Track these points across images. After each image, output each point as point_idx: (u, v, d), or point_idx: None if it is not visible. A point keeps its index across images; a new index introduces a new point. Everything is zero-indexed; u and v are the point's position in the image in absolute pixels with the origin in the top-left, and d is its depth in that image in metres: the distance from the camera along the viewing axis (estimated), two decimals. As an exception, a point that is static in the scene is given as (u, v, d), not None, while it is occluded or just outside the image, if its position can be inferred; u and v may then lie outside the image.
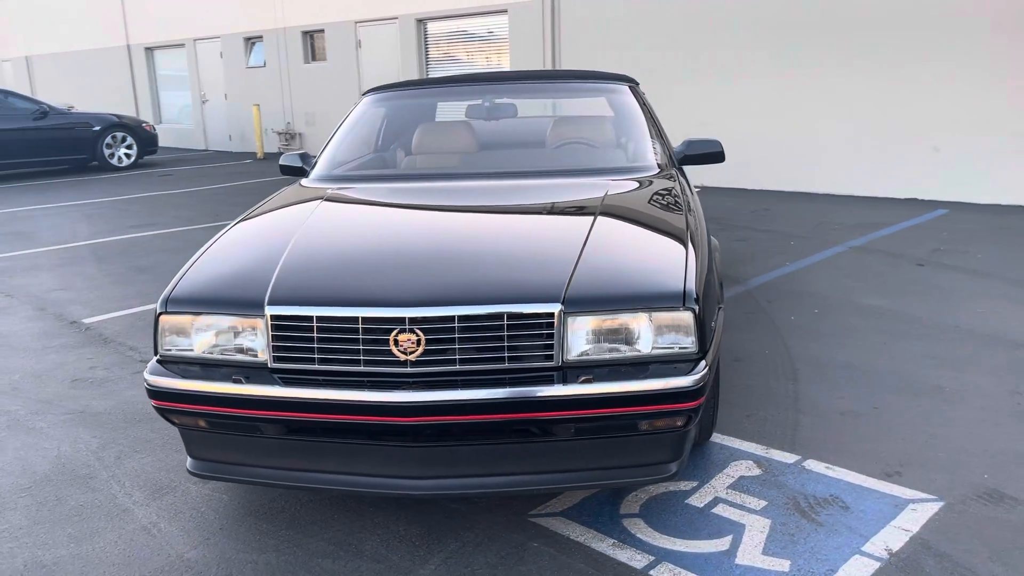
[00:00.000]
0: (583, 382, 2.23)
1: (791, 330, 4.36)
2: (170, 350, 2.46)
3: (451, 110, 4.43)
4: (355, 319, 2.28)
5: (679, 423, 2.33)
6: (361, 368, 2.29)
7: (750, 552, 2.40)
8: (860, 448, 3.01)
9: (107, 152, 13.06)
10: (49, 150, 12.52)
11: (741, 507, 2.64)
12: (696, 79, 9.46)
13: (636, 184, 3.27)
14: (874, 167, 8.36)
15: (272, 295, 2.37)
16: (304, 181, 3.64)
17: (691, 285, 2.36)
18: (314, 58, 14.08)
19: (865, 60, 8.18)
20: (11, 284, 6.01)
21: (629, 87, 4.02)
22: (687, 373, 2.27)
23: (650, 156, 3.65)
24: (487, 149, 3.88)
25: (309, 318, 2.31)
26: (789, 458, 2.95)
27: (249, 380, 2.32)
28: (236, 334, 2.40)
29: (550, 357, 2.28)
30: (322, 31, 13.67)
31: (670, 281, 2.37)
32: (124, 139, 13.24)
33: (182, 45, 16.62)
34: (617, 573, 2.32)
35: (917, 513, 2.57)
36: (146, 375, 2.42)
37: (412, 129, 4.01)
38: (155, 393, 2.39)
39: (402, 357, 2.26)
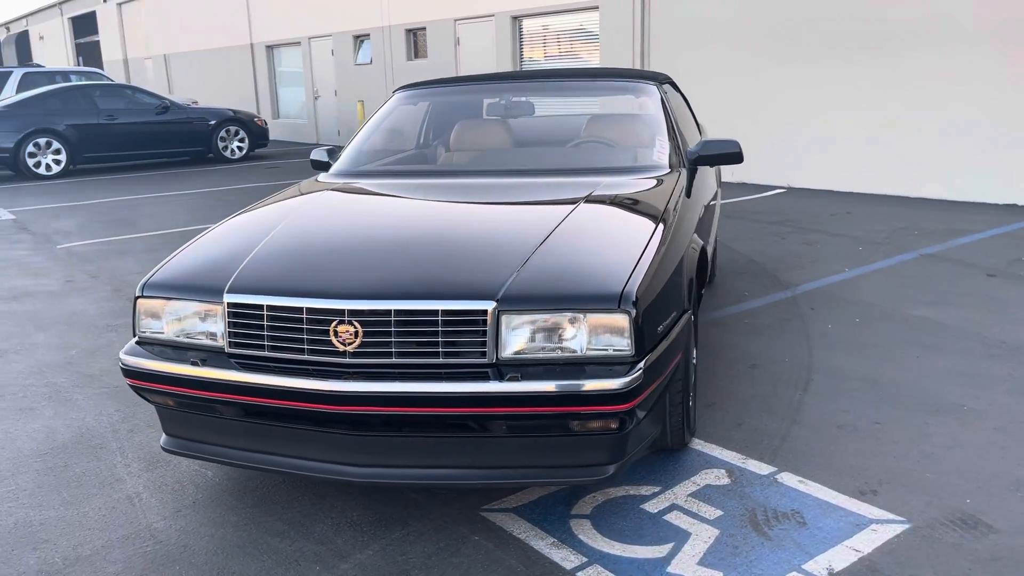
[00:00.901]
0: (510, 380, 2.25)
1: (822, 339, 4.21)
2: (145, 332, 2.64)
3: (475, 108, 4.49)
4: (300, 309, 2.39)
5: (613, 425, 2.33)
6: (305, 356, 2.39)
7: (685, 562, 2.36)
8: (844, 464, 2.89)
9: (221, 145, 13.80)
10: (169, 142, 13.34)
11: (695, 516, 2.60)
12: (785, 78, 9.16)
13: (631, 184, 3.24)
14: (973, 170, 7.88)
15: (231, 284, 2.51)
16: (321, 176, 3.79)
17: (630, 288, 2.34)
18: (416, 55, 14.42)
19: (970, 62, 7.71)
20: (99, 266, 6.49)
21: (657, 85, 3.96)
22: (617, 376, 2.26)
23: (659, 156, 3.61)
24: (504, 147, 3.92)
25: (260, 307, 2.44)
26: (764, 469, 2.87)
27: (206, 363, 2.47)
28: (200, 319, 2.54)
29: (484, 354, 2.32)
30: (424, 29, 13.98)
31: (608, 283, 2.36)
32: (237, 133, 13.96)
33: (298, 43, 17.36)
34: (545, 571, 2.34)
35: (876, 534, 2.45)
36: (120, 354, 2.60)
37: (432, 127, 4.10)
38: (127, 372, 2.57)
39: (341, 348, 2.35)
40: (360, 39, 15.60)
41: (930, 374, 3.69)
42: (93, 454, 3.17)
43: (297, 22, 17.11)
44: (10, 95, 13.55)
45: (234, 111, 14.07)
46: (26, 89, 14.37)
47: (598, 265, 2.47)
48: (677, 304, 2.63)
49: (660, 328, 2.46)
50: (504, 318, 2.31)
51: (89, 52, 29.72)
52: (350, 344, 2.35)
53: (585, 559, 2.39)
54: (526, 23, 12.28)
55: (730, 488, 2.76)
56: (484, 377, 2.28)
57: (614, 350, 2.32)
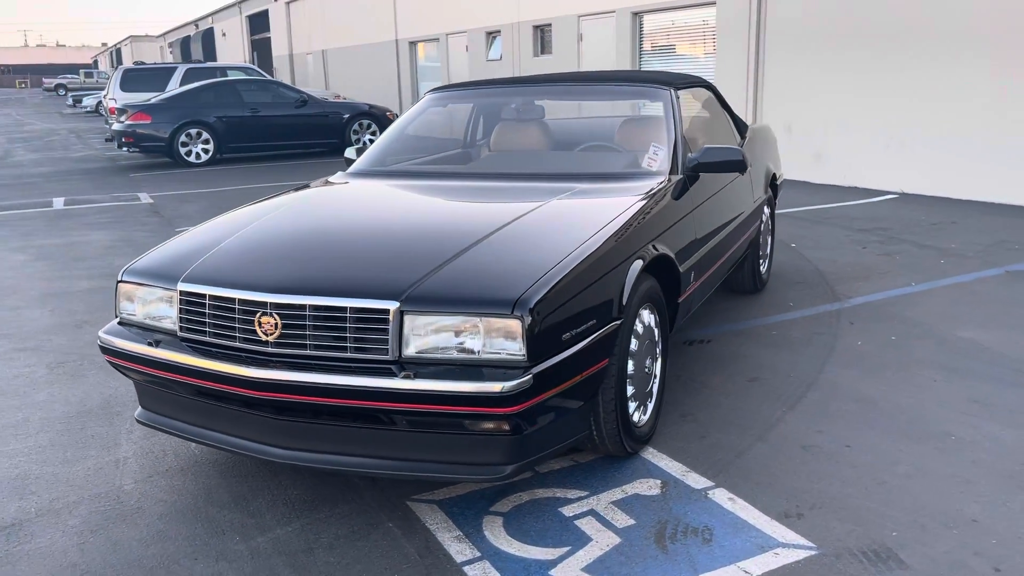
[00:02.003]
0: (404, 377, 2.38)
1: (844, 356, 4.03)
2: (122, 314, 2.95)
3: (491, 112, 4.59)
4: (233, 300, 2.61)
5: (505, 427, 2.40)
6: (237, 344, 2.61)
7: (571, 567, 2.40)
8: (786, 485, 2.81)
9: (354, 138, 14.51)
10: (306, 135, 14.17)
11: (606, 523, 2.62)
12: (902, 78, 8.64)
13: (602, 191, 3.27)
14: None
15: (186, 275, 2.76)
16: (336, 174, 4.02)
17: (528, 295, 2.40)
18: (542, 51, 14.58)
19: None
20: (200, 250, 7.06)
21: (670, 90, 3.92)
22: (505, 379, 2.33)
23: (649, 162, 3.60)
24: (511, 150, 4.01)
25: (204, 296, 2.68)
26: (701, 484, 2.84)
27: (160, 345, 2.73)
28: (161, 305, 2.82)
29: (387, 351, 2.45)
30: (550, 25, 14.12)
31: (505, 289, 2.43)
32: (369, 126, 14.63)
33: (437, 39, 17.93)
34: (435, 562, 2.44)
35: (777, 557, 2.40)
36: (99, 332, 2.92)
37: (451, 128, 4.24)
38: (102, 348, 2.89)
39: (264, 337, 2.55)
40: (492, 35, 15.93)
41: (937, 399, 3.48)
42: (108, 420, 3.54)
43: (437, 19, 17.68)
44: (174, 88, 14.80)
45: (370, 105, 14.75)
46: (188, 83, 15.66)
47: (509, 270, 2.54)
48: (601, 313, 2.65)
49: (568, 336, 2.50)
50: (407, 318, 2.43)
51: (262, 48, 31.84)
52: (271, 335, 2.54)
53: (478, 554, 2.48)
54: (646, 19, 12.16)
55: (656, 499, 2.75)
56: (385, 373, 2.41)
57: (507, 354, 2.39)
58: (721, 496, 2.76)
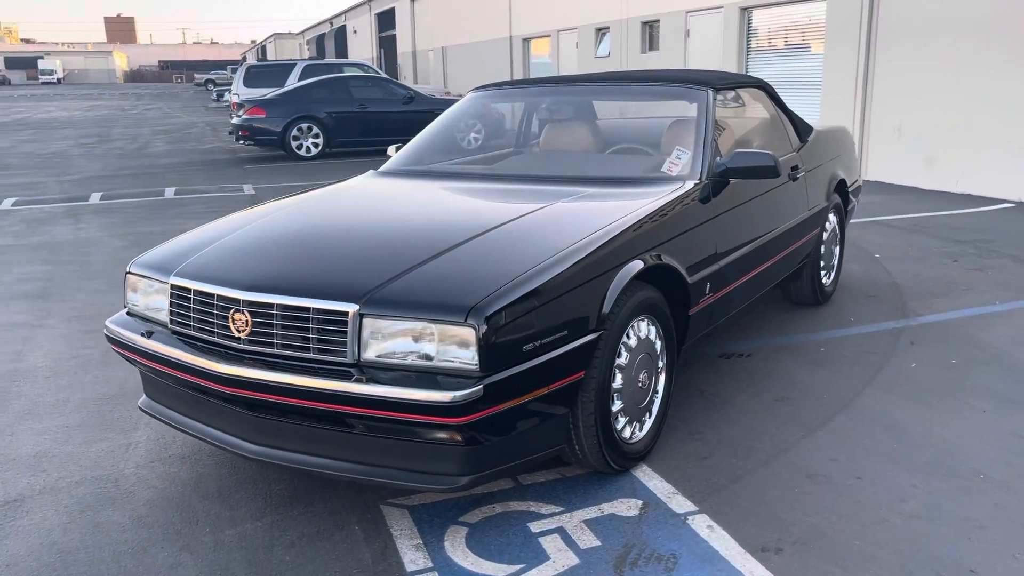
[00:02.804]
0: (355, 381, 2.36)
1: (890, 378, 3.75)
2: (128, 304, 3.06)
3: (527, 111, 4.50)
4: (212, 295, 2.66)
5: (457, 437, 2.35)
6: (216, 339, 2.66)
7: (519, 585, 2.33)
8: (774, 516, 2.63)
9: (458, 136, 14.66)
10: (411, 130, 14.33)
11: (570, 542, 2.52)
12: (1019, 79, 7.97)
13: (606, 196, 3.16)
14: None
15: (178, 269, 2.84)
16: (367, 173, 4.05)
17: (485, 303, 2.34)
18: (650, 48, 14.31)
19: None
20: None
21: (708, 92, 3.73)
22: (455, 389, 2.28)
23: (671, 167, 3.45)
24: (537, 152, 3.93)
25: (189, 290, 2.74)
26: (684, 508, 2.70)
27: (153, 336, 2.83)
28: (157, 297, 2.91)
29: (346, 354, 2.44)
30: (658, 21, 13.83)
31: (464, 296, 2.37)
32: (474, 124, 14.74)
33: (548, 36, 17.90)
34: (386, 569, 2.42)
35: (736, 595, 2.24)
36: (106, 322, 3.05)
37: (483, 128, 4.19)
38: (107, 337, 3.01)
39: (237, 334, 2.59)
40: (601, 32, 15.76)
41: (979, 433, 3.18)
42: (133, 404, 3.70)
43: (549, 15, 17.64)
44: (292, 84, 15.39)
45: (475, 102, 14.87)
46: (305, 79, 16.24)
47: (473, 277, 2.48)
48: (576, 324, 2.56)
49: (531, 346, 2.42)
50: (365, 321, 2.42)
51: (388, 44, 32.71)
52: (243, 332, 2.58)
53: (430, 565, 2.44)
54: (755, 15, 11.72)
55: (631, 521, 2.63)
56: (343, 376, 2.41)
57: (461, 363, 2.34)
58: (700, 523, 2.61)
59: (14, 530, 2.67)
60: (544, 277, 2.50)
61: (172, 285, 2.80)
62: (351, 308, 2.42)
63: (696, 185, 3.33)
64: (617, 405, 2.82)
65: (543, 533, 2.59)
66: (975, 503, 2.68)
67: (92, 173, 12.65)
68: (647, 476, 2.92)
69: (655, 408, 3.08)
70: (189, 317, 2.75)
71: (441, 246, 2.70)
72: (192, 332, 2.73)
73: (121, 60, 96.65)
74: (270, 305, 2.53)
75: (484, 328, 2.31)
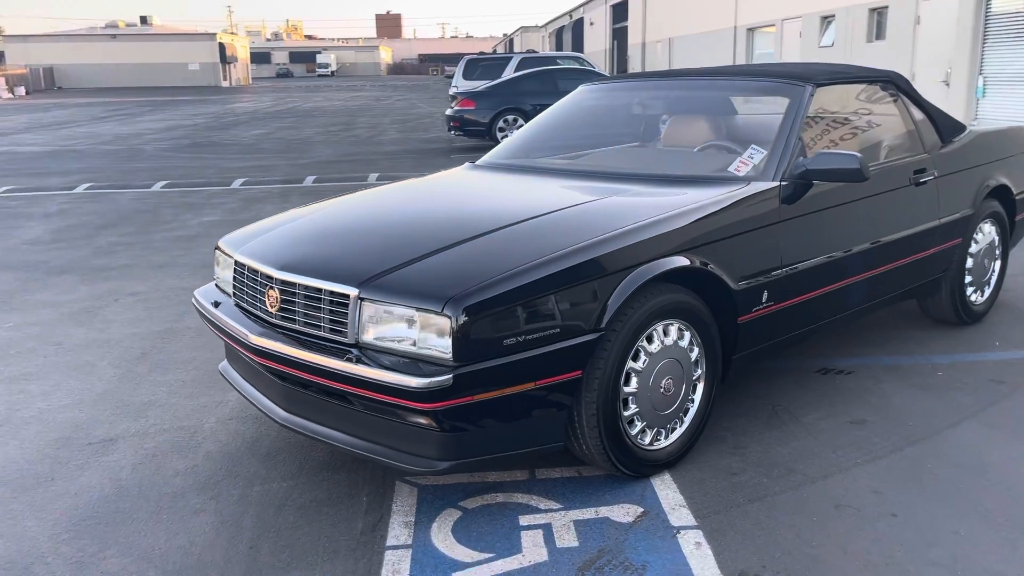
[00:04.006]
0: (347, 360, 2.51)
1: (998, 414, 3.33)
2: (215, 276, 3.42)
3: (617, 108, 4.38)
4: (257, 271, 2.92)
5: (432, 423, 2.43)
6: (257, 312, 2.93)
7: (476, 573, 2.37)
8: (773, 542, 2.46)
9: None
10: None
11: (549, 540, 2.52)
12: None
13: (660, 196, 3.07)
14: None
15: (244, 246, 3.13)
16: (463, 165, 4.18)
17: (464, 294, 2.40)
18: (877, 37, 13.26)
19: None
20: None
21: (808, 87, 3.48)
22: (426, 375, 2.36)
23: (739, 167, 3.27)
24: (616, 148, 3.86)
25: (244, 265, 3.03)
26: (682, 521, 2.59)
27: (220, 307, 3.15)
28: (229, 271, 3.23)
29: (347, 334, 2.60)
30: (886, 7, 12.78)
31: (447, 287, 2.45)
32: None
33: (773, 25, 17.10)
34: (369, 540, 2.55)
35: (682, 616, 2.14)
36: (194, 292, 3.42)
37: (578, 123, 4.19)
38: (194, 306, 3.39)
39: (270, 309, 2.84)
40: (827, 20, 14.83)
41: (1073, 482, 2.75)
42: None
43: (774, 3, 16.85)
44: (507, 76, 15.92)
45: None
46: (520, 72, 16.72)
47: (467, 269, 2.54)
48: (571, 322, 2.54)
49: (513, 341, 2.44)
50: (364, 304, 2.56)
51: (621, 36, 32.72)
52: (274, 307, 2.82)
53: (409, 543, 2.54)
54: (995, 1, 10.52)
55: (621, 527, 2.58)
56: (338, 354, 2.57)
57: (437, 351, 2.42)
58: (689, 539, 2.50)
59: (96, 464, 3.10)
60: (536, 274, 2.50)
61: (235, 260, 3.10)
62: (353, 291, 2.57)
63: (767, 186, 3.14)
64: (631, 409, 2.76)
65: (529, 527, 2.60)
66: (1014, 559, 2.35)
67: (322, 158, 13.86)
68: (663, 484, 2.83)
69: (688, 417, 2.96)
70: (243, 290, 3.03)
71: (459, 237, 2.77)
72: (244, 305, 3.02)
73: (386, 54, 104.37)
74: (294, 284, 2.74)
75: (460, 319, 2.37)
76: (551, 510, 2.70)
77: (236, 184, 10.80)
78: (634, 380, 2.74)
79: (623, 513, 2.66)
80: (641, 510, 2.68)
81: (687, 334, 2.88)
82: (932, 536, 2.48)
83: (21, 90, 50.95)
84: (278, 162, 13.34)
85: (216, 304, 3.16)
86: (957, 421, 3.27)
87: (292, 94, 43.90)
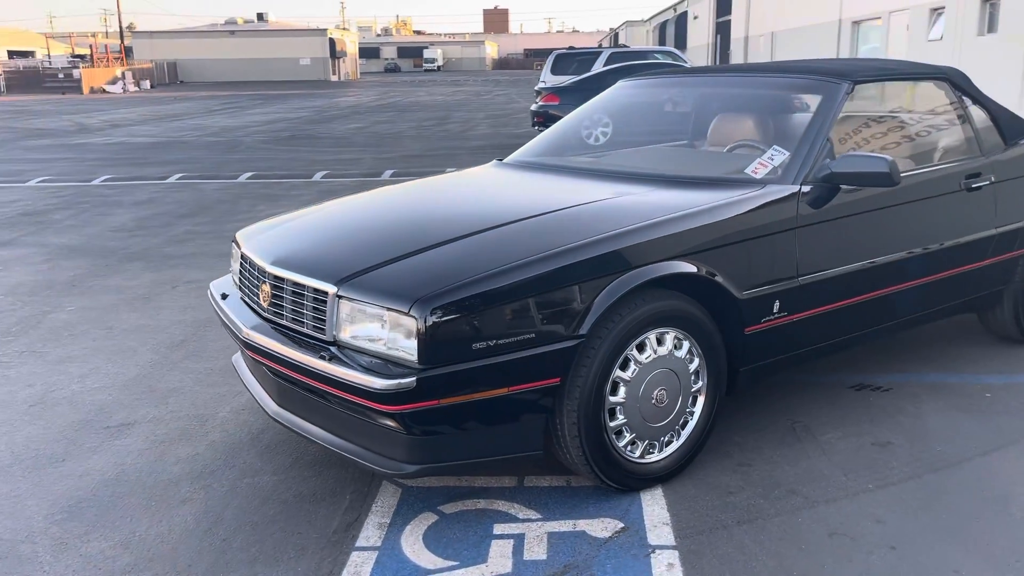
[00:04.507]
0: (320, 358, 2.50)
1: (1045, 439, 3.05)
2: (231, 269, 3.48)
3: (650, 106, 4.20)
4: (256, 264, 2.95)
5: (399, 425, 2.40)
6: (255, 305, 2.96)
7: (436, 580, 2.33)
8: (750, 569, 2.31)
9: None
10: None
11: (518, 551, 2.45)
12: None
13: (666, 198, 2.93)
14: None
15: (250, 241, 3.17)
16: (489, 163, 4.11)
17: (431, 296, 2.35)
18: (988, 30, 12.46)
19: None
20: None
21: (846, 85, 3.26)
22: (390, 377, 2.33)
23: (759, 168, 3.09)
24: (639, 146, 3.72)
25: (247, 257, 3.06)
26: (660, 540, 2.48)
27: (226, 298, 3.20)
28: (237, 263, 3.27)
29: (326, 332, 2.58)
30: None
31: (416, 288, 2.41)
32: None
33: (879, 18, 16.31)
34: (340, 540, 2.54)
35: (632, 642, 2.04)
36: (210, 283, 3.49)
37: (614, 121, 4.05)
38: (210, 296, 3.45)
39: (262, 302, 2.86)
40: (936, 12, 14.04)
41: (1108, 524, 2.49)
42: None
43: (881, -4, 16.08)
44: (596, 71, 15.74)
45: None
46: (610, 66, 16.48)
47: (444, 270, 2.49)
48: (548, 328, 2.45)
49: (483, 345, 2.38)
50: (341, 302, 2.54)
51: (724, 30, 31.90)
52: (265, 301, 2.83)
53: (378, 544, 2.51)
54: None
55: (595, 542, 2.48)
56: (316, 351, 2.56)
57: (404, 352, 2.38)
58: (662, 560, 2.38)
59: (107, 448, 3.20)
60: (510, 277, 2.43)
61: (241, 253, 3.15)
62: (332, 288, 2.56)
63: (782, 190, 2.96)
64: (618, 420, 2.65)
65: (501, 536, 2.53)
66: (1019, 606, 2.14)
67: (408, 152, 14.04)
68: (652, 500, 2.71)
69: (687, 431, 2.83)
70: (246, 283, 3.07)
71: (447, 236, 2.72)
72: (246, 298, 3.05)
73: (492, 49, 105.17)
74: (282, 279, 2.75)
75: (426, 321, 2.32)
76: (529, 520, 2.62)
77: (317, 176, 11.04)
78: (622, 390, 2.63)
79: (601, 527, 2.56)
80: (621, 525, 2.57)
81: (685, 343, 2.75)
82: (926, 574, 2.28)
83: (147, 83, 53.80)
84: (364, 156, 13.58)
85: (224, 296, 3.21)
86: (993, 448, 3.01)
87: (396, 88, 44.74)
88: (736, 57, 28.00)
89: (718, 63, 31.02)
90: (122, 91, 48.92)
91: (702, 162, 3.50)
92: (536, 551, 2.45)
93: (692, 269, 2.69)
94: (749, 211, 2.85)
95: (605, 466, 2.65)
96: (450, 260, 2.56)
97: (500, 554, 2.44)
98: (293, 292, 2.70)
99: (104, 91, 48.79)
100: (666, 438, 2.79)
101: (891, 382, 3.63)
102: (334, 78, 63.59)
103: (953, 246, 3.45)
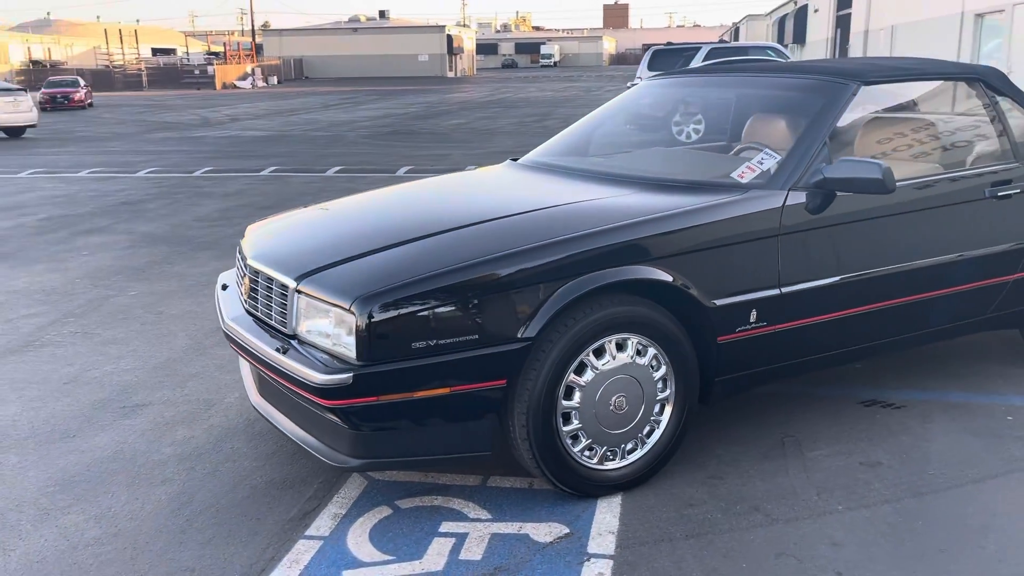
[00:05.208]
0: (277, 350, 2.58)
1: (1055, 469, 2.83)
2: (240, 262, 3.63)
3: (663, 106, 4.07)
4: (243, 256, 3.06)
5: (341, 420, 2.45)
6: (239, 296, 3.08)
7: (364, 574, 2.36)
8: (681, 585, 2.25)
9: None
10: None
11: (456, 551, 2.46)
12: None
13: (639, 202, 2.87)
14: None
15: (250, 234, 3.29)
16: (503, 163, 4.10)
17: (371, 293, 2.40)
18: (1119, 23, 11.48)
19: None
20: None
21: (850, 86, 3.11)
22: (327, 372, 2.38)
23: (746, 173, 2.98)
24: (649, 149, 3.64)
25: (241, 250, 3.18)
26: (599, 550, 2.44)
27: (225, 289, 3.34)
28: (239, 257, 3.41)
29: (287, 325, 2.67)
30: None
31: (359, 285, 2.45)
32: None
33: (1002, 11, 15.28)
34: (291, 528, 2.61)
35: (531, 649, 2.02)
36: (220, 274, 3.64)
37: (627, 120, 3.98)
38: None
39: (242, 293, 2.97)
40: (1063, 5, 13.03)
41: (1090, 565, 2.29)
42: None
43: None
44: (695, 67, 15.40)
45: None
46: (710, 62, 16.11)
47: (395, 268, 2.53)
48: (492, 329, 2.45)
49: (422, 345, 2.40)
50: (299, 297, 2.61)
51: (844, 24, 30.55)
52: (245, 292, 2.95)
53: (325, 535, 2.57)
54: None
55: (535, 547, 2.46)
56: (275, 342, 2.64)
57: (344, 348, 2.43)
58: (593, 569, 2.35)
59: (115, 427, 3.39)
60: (454, 277, 2.44)
61: (240, 247, 3.28)
62: (292, 283, 2.63)
63: (764, 195, 2.85)
64: (573, 425, 2.62)
65: (445, 534, 2.55)
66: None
67: (497, 149, 14.15)
68: (607, 507, 2.67)
69: (652, 439, 2.77)
70: (239, 275, 3.20)
71: (413, 235, 2.75)
72: (237, 290, 3.18)
73: (610, 44, 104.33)
74: (258, 272, 2.86)
75: (364, 318, 2.36)
76: (478, 520, 2.63)
77: (401, 171, 11.29)
78: (577, 394, 2.60)
79: (545, 532, 2.54)
80: (566, 531, 2.54)
81: (650, 350, 2.69)
82: (867, 604, 2.17)
83: (274, 79, 56.22)
84: (454, 152, 13.78)
85: (224, 287, 3.35)
86: (992, 475, 2.81)
87: (509, 84, 45.08)
88: (855, 52, 26.77)
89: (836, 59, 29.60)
90: (251, 87, 51.33)
91: (694, 165, 3.41)
92: (473, 552, 2.46)
93: (653, 275, 2.62)
94: (723, 218, 2.76)
95: (557, 470, 2.63)
96: (402, 259, 2.59)
97: (437, 552, 2.46)
98: (266, 286, 2.80)
99: (235, 87, 51.33)
100: (628, 446, 2.74)
101: (907, 399, 3.44)
102: (450, 74, 64.65)
103: (973, 258, 3.23)
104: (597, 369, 2.61)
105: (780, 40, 39.59)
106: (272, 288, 2.75)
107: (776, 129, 3.31)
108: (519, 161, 3.98)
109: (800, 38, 36.69)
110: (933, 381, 3.61)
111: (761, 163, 3.00)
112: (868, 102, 3.32)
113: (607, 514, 2.63)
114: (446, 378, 2.44)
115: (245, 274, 2.95)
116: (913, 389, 3.53)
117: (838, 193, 2.90)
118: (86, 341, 4.46)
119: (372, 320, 2.36)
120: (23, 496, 2.85)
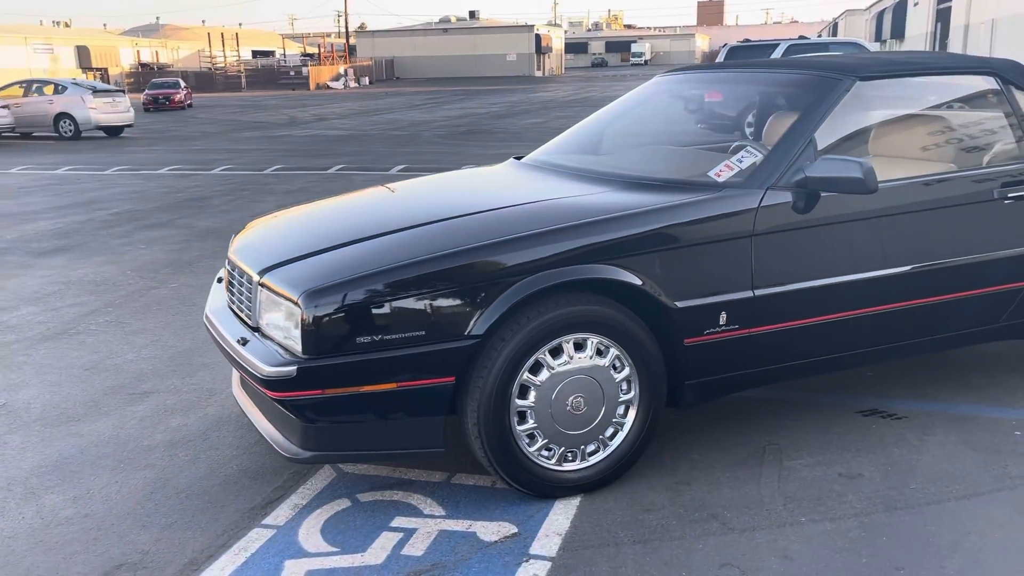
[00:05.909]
0: (237, 341, 2.64)
1: (1051, 489, 2.64)
2: (242, 256, 3.72)
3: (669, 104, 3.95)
4: (230, 250, 3.15)
5: (290, 411, 2.49)
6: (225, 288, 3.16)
7: (309, 564, 2.40)
8: (612, 591, 2.20)
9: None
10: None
11: (400, 546, 2.47)
12: None
13: (608, 200, 2.82)
14: None
15: (245, 229, 3.38)
16: (506, 162, 4.07)
17: (317, 287, 2.43)
18: None
19: None
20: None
21: (844, 81, 2.97)
22: (273, 364, 2.43)
23: (723, 171, 2.89)
24: (643, 147, 3.55)
25: (232, 244, 3.27)
26: (542, 551, 2.41)
27: (220, 281, 3.43)
28: (237, 254, 3.50)
29: (252, 318, 2.73)
30: None
31: (309, 279, 2.49)
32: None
33: (1108, 2, 14.33)
34: (250, 515, 2.67)
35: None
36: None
37: (631, 118, 3.90)
38: (224, 279, 3.72)
39: (224, 285, 3.05)
40: None
41: (1057, 592, 2.13)
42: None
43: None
44: (772, 65, 14.98)
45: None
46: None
47: (347, 263, 2.56)
48: (441, 326, 2.45)
49: (368, 340, 2.42)
50: (261, 290, 2.67)
51: (945, 18, 29.19)
52: (225, 284, 3.03)
53: (280, 524, 2.62)
54: None
55: (479, 545, 2.45)
56: (239, 334, 2.71)
57: (292, 341, 2.47)
58: (529, 570, 2.33)
59: (118, 413, 3.53)
60: (402, 273, 2.45)
61: (231, 239, 3.37)
62: (255, 277, 2.69)
63: (739, 194, 2.75)
64: (528, 424, 2.59)
65: (394, 529, 2.57)
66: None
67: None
68: (563, 508, 2.63)
69: (615, 442, 2.71)
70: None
71: (377, 232, 2.77)
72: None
73: (703, 42, 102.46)
74: (234, 265, 2.93)
75: (309, 311, 2.40)
76: (431, 516, 2.63)
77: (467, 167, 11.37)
78: (532, 394, 2.57)
79: (493, 531, 2.52)
80: (514, 531, 2.52)
81: (612, 351, 2.64)
82: (800, 621, 2.07)
83: (365, 80, 57.47)
84: (525, 151, 13.76)
85: (219, 280, 3.45)
86: (978, 492, 2.65)
87: (595, 83, 44.89)
88: (954, 48, 25.55)
89: (936, 54, 28.24)
90: (343, 87, 52.60)
91: (683, 164, 3.30)
92: (416, 547, 2.46)
93: (611, 274, 2.57)
94: (690, 219, 2.68)
95: (511, 468, 2.60)
96: (357, 255, 2.61)
97: (381, 547, 2.48)
98: (239, 279, 2.87)
99: (328, 87, 52.70)
100: (589, 447, 2.69)
101: (909, 409, 3.27)
102: (538, 73, 64.74)
103: (977, 262, 3.04)
104: (553, 369, 2.58)
105: (878, 36, 38.19)
106: (243, 281, 2.81)
107: (769, 126, 3.20)
108: (526, 159, 3.96)
109: (899, 33, 35.25)
110: (943, 391, 3.42)
111: (740, 161, 2.90)
112: (870, 98, 3.17)
113: (560, 516, 2.59)
114: (392, 374, 2.45)
115: (226, 266, 3.03)
116: (918, 399, 3.36)
117: (823, 193, 2.79)
118: (116, 330, 4.66)
119: (316, 314, 2.39)
120: (15, 476, 3.00)
